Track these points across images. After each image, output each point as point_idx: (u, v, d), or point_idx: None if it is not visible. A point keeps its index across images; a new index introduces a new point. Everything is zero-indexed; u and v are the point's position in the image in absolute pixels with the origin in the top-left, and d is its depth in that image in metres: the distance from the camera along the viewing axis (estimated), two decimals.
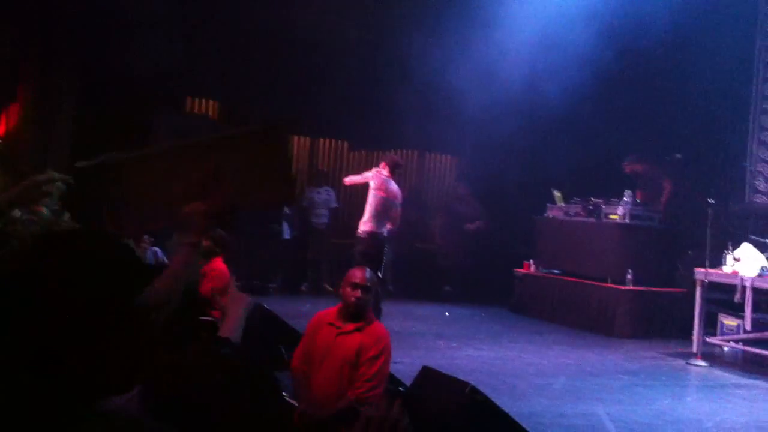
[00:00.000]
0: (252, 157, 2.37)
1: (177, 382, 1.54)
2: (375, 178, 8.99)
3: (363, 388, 4.21)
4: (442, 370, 4.88)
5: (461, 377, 4.60)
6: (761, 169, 11.35)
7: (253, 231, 11.39)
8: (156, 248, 8.81)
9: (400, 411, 1.67)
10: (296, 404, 4.39)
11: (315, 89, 12.31)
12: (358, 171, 15.04)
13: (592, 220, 10.75)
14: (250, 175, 2.39)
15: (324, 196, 12.93)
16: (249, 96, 12.23)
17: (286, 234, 12.69)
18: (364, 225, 8.75)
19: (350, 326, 4.39)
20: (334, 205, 13.00)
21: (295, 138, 14.44)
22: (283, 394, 4.37)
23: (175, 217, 2.25)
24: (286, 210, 12.76)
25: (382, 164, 9.17)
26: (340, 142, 14.88)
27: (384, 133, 13.54)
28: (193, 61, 11.38)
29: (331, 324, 4.46)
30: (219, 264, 6.33)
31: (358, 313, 4.42)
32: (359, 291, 4.41)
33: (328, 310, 4.60)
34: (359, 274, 4.50)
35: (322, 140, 14.76)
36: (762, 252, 8.61)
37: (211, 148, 2.43)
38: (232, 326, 2.60)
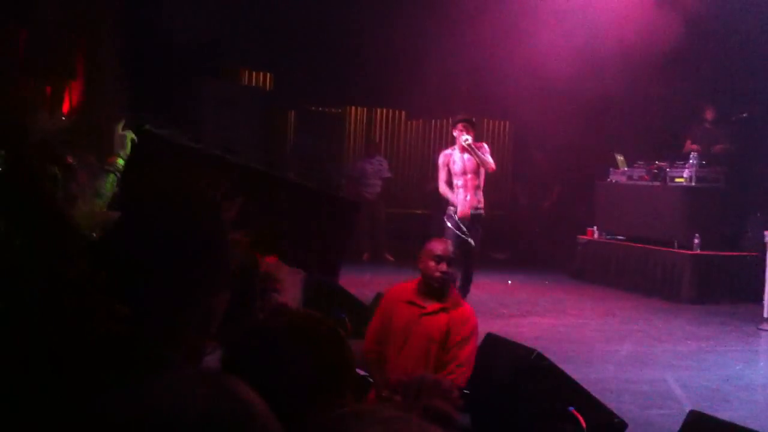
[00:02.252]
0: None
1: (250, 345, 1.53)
2: (456, 159, 7.64)
3: (456, 373, 3.97)
4: (507, 338, 4.86)
5: (526, 344, 4.57)
6: None
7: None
8: None
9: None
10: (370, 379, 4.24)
11: (369, 59, 12.26)
12: (415, 140, 15.13)
13: (656, 183, 10.51)
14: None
15: (376, 167, 12.82)
16: (304, 67, 12.24)
17: None
18: (479, 203, 7.64)
19: (435, 305, 4.12)
20: (386, 174, 12.90)
21: (351, 109, 14.46)
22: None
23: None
24: (342, 180, 12.79)
25: (457, 129, 7.66)
26: (396, 112, 14.84)
27: (439, 101, 13.45)
28: (248, 32, 11.43)
29: (411, 303, 4.15)
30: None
31: (442, 289, 4.14)
32: (444, 264, 4.12)
33: (402, 286, 4.33)
34: (441, 246, 4.21)
35: (378, 110, 14.74)
36: None
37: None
38: (291, 297, 2.61)
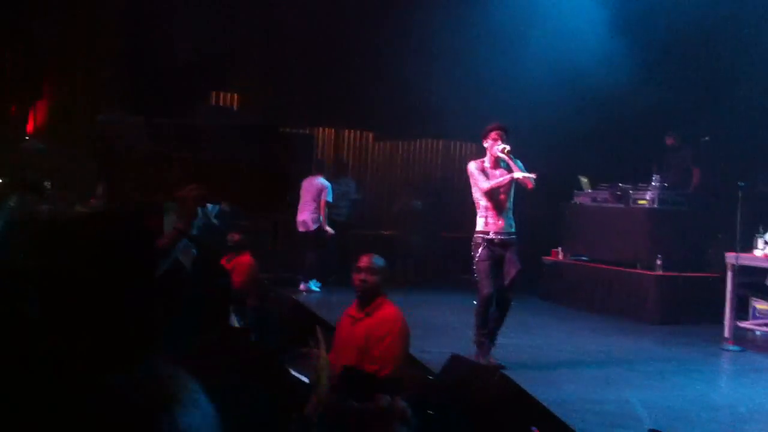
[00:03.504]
0: (246, 155, 2.38)
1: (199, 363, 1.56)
2: (488, 175, 6.95)
3: (367, 371, 4.25)
4: (471, 358, 4.88)
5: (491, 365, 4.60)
6: None
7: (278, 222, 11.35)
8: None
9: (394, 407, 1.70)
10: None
11: (338, 80, 12.31)
12: (382, 162, 15.16)
13: (620, 205, 10.65)
14: (242, 172, 2.41)
15: (343, 188, 12.73)
16: (271, 88, 12.26)
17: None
18: (512, 227, 7.03)
19: (361, 313, 4.50)
20: (353, 196, 12.82)
21: (320, 130, 14.48)
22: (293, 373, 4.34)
23: (170, 198, 2.29)
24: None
25: (491, 139, 6.90)
26: (365, 133, 14.90)
27: (408, 123, 13.54)
28: (215, 53, 11.43)
29: (349, 315, 4.59)
30: (246, 257, 6.36)
31: (365, 296, 4.51)
32: (363, 274, 4.51)
33: (352, 304, 4.69)
34: (364, 259, 4.59)
35: (346, 131, 14.78)
36: None
37: (210, 138, 2.44)
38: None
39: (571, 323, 9.51)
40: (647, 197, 10.33)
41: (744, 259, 8.59)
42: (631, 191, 10.55)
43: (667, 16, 11.11)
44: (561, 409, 5.25)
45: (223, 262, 6.21)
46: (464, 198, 15.24)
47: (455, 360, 4.91)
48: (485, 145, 6.96)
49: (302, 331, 5.41)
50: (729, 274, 8.69)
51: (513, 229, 6.95)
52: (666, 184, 10.50)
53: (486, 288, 6.82)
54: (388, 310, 4.55)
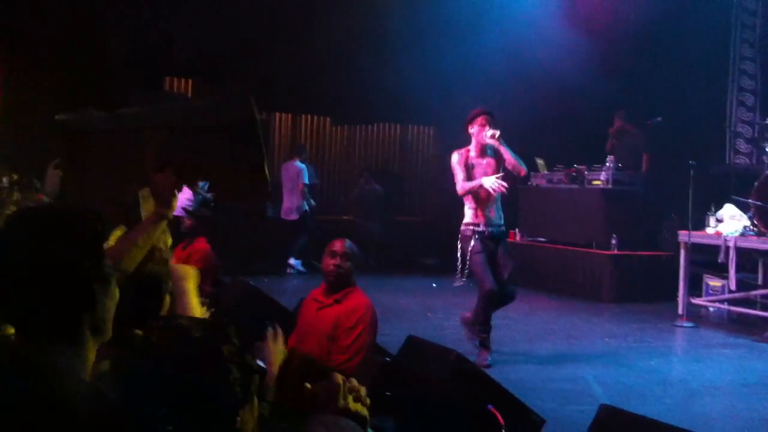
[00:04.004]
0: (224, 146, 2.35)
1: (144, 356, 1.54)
2: (474, 164, 6.57)
3: (336, 361, 4.17)
4: (428, 340, 4.90)
5: (448, 346, 4.62)
6: (741, 130, 11.41)
7: (233, 210, 11.28)
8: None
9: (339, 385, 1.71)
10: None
11: (295, 65, 12.22)
12: (340, 147, 15.11)
13: (575, 186, 10.76)
14: (224, 163, 2.38)
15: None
16: (226, 73, 12.13)
17: (269, 211, 12.58)
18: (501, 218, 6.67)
19: (330, 299, 4.38)
20: (313, 181, 12.80)
21: (277, 115, 14.39)
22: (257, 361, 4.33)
23: (146, 185, 2.26)
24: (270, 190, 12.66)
25: (477, 125, 6.49)
26: (322, 118, 14.84)
27: (366, 108, 13.51)
28: (169, 39, 11.27)
29: (315, 300, 4.48)
30: (202, 243, 6.30)
31: (338, 283, 4.39)
32: (338, 259, 4.38)
33: (316, 289, 4.59)
34: (338, 244, 4.46)
35: (304, 116, 14.71)
36: (744, 212, 8.66)
37: (179, 120, 2.41)
38: (182, 305, 2.59)
39: (528, 304, 9.58)
40: (601, 178, 10.46)
41: (696, 237, 8.75)
42: (586, 172, 10.67)
43: (619, 6, 11.24)
44: (517, 387, 5.30)
45: (178, 249, 6.15)
46: (422, 182, 15.43)
47: (412, 341, 4.93)
48: (471, 131, 6.48)
49: (259, 317, 5.40)
50: (682, 253, 8.85)
51: (503, 221, 6.60)
52: (620, 165, 10.63)
53: (487, 282, 6.38)
54: (360, 298, 4.45)
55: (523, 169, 6.51)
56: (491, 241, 6.50)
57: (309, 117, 14.74)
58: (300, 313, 4.57)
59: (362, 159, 15.01)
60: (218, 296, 5.96)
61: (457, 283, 6.66)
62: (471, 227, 6.52)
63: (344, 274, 4.41)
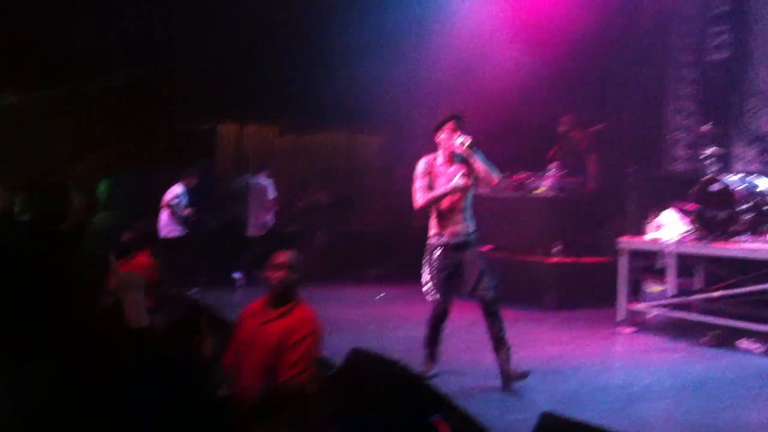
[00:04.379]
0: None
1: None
2: (441, 172, 6.29)
3: (287, 375, 4.14)
4: (375, 351, 4.92)
5: (395, 357, 4.64)
6: (680, 136, 11.68)
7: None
8: None
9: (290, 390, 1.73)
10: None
11: (241, 73, 12.15)
12: (288, 156, 15.04)
13: (518, 194, 10.89)
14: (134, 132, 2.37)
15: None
16: (171, 82, 12.01)
17: (210, 224, 12.48)
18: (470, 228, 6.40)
19: (275, 313, 4.32)
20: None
21: (221, 125, 14.29)
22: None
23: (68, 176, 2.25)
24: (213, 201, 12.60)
25: (446, 130, 6.20)
26: (268, 127, 14.78)
27: (313, 116, 13.49)
28: (111, 44, 11.10)
29: (255, 315, 4.41)
30: (144, 257, 6.22)
31: (283, 295, 4.35)
32: (282, 271, 4.34)
33: (254, 302, 4.52)
34: (283, 256, 4.43)
35: (249, 126, 14.63)
36: (682, 217, 8.87)
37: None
38: (134, 314, 2.59)
39: (472, 312, 9.61)
40: (544, 185, 10.61)
41: (636, 243, 8.93)
42: (528, 180, 10.80)
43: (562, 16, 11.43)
44: (461, 397, 5.37)
45: (120, 263, 6.07)
46: (369, 192, 15.40)
47: (357, 353, 4.95)
48: (439, 138, 6.19)
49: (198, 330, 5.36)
50: (622, 258, 9.02)
51: (471, 230, 6.32)
52: (562, 173, 10.81)
53: (438, 304, 6.39)
54: (306, 311, 4.42)
55: (495, 178, 6.24)
56: (457, 251, 6.25)
57: (255, 126, 14.65)
58: (239, 329, 4.48)
59: (309, 169, 14.97)
60: (161, 310, 5.91)
61: (429, 298, 6.50)
62: (435, 239, 6.30)
63: (290, 286, 4.37)
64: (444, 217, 6.23)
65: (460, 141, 6.04)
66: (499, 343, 6.19)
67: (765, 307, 8.59)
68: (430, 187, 6.21)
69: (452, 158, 6.22)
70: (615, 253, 9.33)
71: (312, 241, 12.85)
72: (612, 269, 9.47)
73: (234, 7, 11.44)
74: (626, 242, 8.91)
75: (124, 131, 9.76)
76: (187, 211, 11.31)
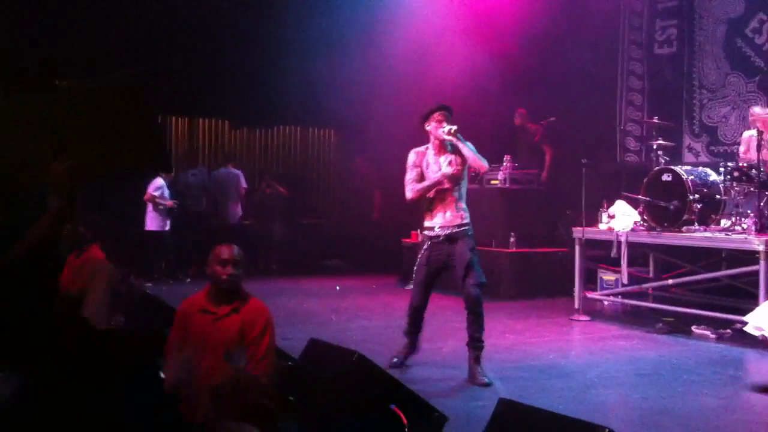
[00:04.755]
0: (115, 114, 2.27)
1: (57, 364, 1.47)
2: (431, 162, 6.23)
3: (260, 367, 4.01)
4: (334, 343, 4.88)
5: (353, 347, 4.60)
6: (631, 129, 11.84)
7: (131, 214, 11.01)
8: None
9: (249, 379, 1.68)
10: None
11: (192, 66, 11.97)
12: (240, 150, 14.90)
13: (474, 186, 10.90)
14: (115, 134, 2.30)
15: (199, 177, 12.47)
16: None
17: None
18: (462, 218, 6.26)
19: (226, 308, 4.14)
20: (209, 185, 12.61)
21: (173, 118, 14.07)
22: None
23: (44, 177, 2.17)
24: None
25: (434, 121, 6.14)
26: (220, 121, 14.60)
27: (266, 110, 13.37)
28: (58, 38, 10.87)
29: (204, 311, 4.14)
30: (95, 252, 6.08)
31: (231, 291, 4.16)
32: (230, 267, 4.14)
33: (193, 297, 4.27)
34: (227, 251, 4.20)
35: (201, 120, 14.44)
36: (634, 208, 8.99)
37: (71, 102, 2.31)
38: (95, 302, 2.52)
39: (432, 303, 9.64)
40: (499, 177, 10.67)
41: (590, 233, 9.02)
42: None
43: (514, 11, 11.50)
44: (420, 386, 5.36)
45: (71, 257, 5.93)
46: (324, 185, 15.37)
47: (314, 344, 4.90)
48: (427, 128, 6.15)
49: (155, 324, 5.26)
50: (577, 248, 9.11)
51: (465, 220, 6.18)
52: (517, 164, 10.87)
53: (414, 299, 6.44)
54: (256, 302, 4.27)
55: (484, 165, 6.20)
56: (446, 244, 6.16)
57: (206, 120, 14.47)
58: (180, 327, 4.20)
59: (262, 162, 14.85)
60: (114, 304, 5.78)
61: (408, 287, 6.50)
62: (426, 232, 6.25)
63: (237, 282, 4.21)
64: (435, 209, 6.16)
65: (446, 129, 6.01)
66: (475, 342, 6.15)
67: (717, 294, 8.76)
68: (421, 178, 6.16)
69: (442, 148, 6.17)
70: (570, 243, 9.43)
71: (270, 234, 12.75)
72: (568, 259, 9.58)
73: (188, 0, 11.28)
74: (581, 232, 8.99)
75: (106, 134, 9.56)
76: (170, 203, 11.47)
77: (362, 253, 12.99)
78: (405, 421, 4.04)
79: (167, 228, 11.55)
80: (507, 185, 10.64)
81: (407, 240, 11.85)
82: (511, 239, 10.28)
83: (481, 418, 4.28)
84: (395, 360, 6.39)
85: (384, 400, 4.14)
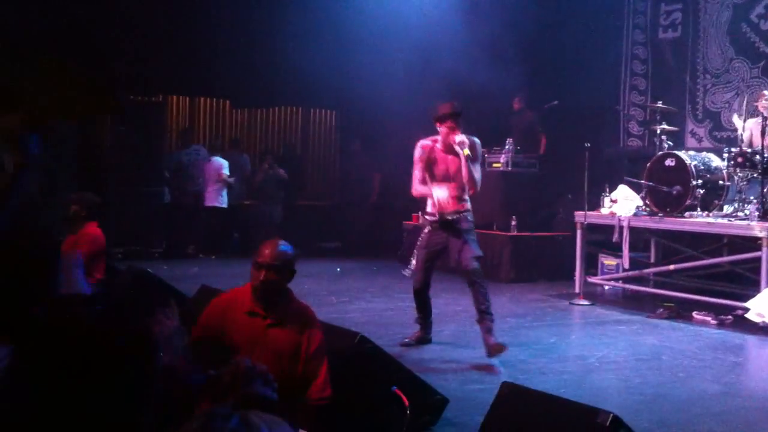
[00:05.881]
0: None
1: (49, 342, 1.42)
2: (438, 158, 6.31)
3: (325, 392, 3.65)
4: (335, 324, 4.85)
5: (353, 329, 4.58)
6: (634, 113, 11.78)
7: (129, 194, 10.99)
8: None
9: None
10: None
11: (192, 46, 11.88)
12: (241, 130, 14.82)
13: None
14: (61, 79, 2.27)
15: (193, 157, 12.42)
16: (120, 55, 11.67)
17: (167, 197, 12.29)
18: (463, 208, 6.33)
19: (277, 315, 3.67)
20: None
21: (173, 98, 13.99)
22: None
23: None
24: (166, 173, 12.36)
25: (446, 127, 6.19)
26: (220, 101, 14.52)
27: (266, 90, 13.28)
28: (56, 18, 10.75)
29: (253, 314, 3.65)
30: (92, 228, 6.04)
31: (267, 299, 3.65)
32: (264, 272, 3.60)
33: (236, 294, 3.77)
34: (267, 252, 3.65)
35: (201, 99, 14.36)
36: (637, 193, 8.95)
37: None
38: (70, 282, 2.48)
39: (432, 286, 9.65)
40: (501, 160, 10.62)
41: (591, 217, 9.00)
42: (486, 155, 10.79)
43: None
44: (421, 368, 5.35)
45: (69, 235, 5.90)
46: (324, 166, 15.31)
47: None
48: (438, 128, 6.23)
49: (153, 302, 5.22)
50: (578, 233, 9.08)
51: (465, 207, 6.27)
52: (518, 147, 10.83)
53: (416, 282, 6.57)
54: (310, 312, 3.81)
55: (475, 189, 6.25)
56: (445, 229, 6.25)
57: (207, 100, 14.39)
58: (217, 321, 3.69)
59: (263, 143, 14.79)
60: (110, 283, 5.75)
61: (406, 273, 6.64)
62: (428, 217, 6.36)
63: (274, 289, 3.65)
64: (438, 195, 6.19)
65: (461, 148, 6.08)
66: (482, 315, 6.19)
67: (718, 280, 8.74)
68: (429, 171, 6.25)
69: (451, 147, 6.22)
70: (571, 227, 9.40)
71: (270, 215, 12.71)
72: (568, 243, 9.55)
73: None
74: (582, 216, 8.96)
75: (62, 82, 9.32)
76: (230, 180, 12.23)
77: (361, 235, 12.95)
78: (407, 402, 4.02)
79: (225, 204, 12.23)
80: (509, 168, 10.59)
81: (408, 222, 11.80)
82: (512, 223, 10.25)
83: (482, 400, 4.27)
84: (407, 340, 6.55)
85: (386, 382, 4.12)
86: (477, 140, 6.31)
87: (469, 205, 6.34)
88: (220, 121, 14.57)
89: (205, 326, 3.68)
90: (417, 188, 6.34)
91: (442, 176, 6.22)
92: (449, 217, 6.21)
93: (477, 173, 6.19)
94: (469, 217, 6.33)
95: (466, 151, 6.07)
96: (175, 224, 12.08)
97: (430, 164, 6.25)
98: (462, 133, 6.16)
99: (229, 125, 14.65)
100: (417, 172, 6.28)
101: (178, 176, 12.16)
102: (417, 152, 6.29)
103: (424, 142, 6.31)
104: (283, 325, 3.66)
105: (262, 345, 3.59)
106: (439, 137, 6.28)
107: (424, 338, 6.65)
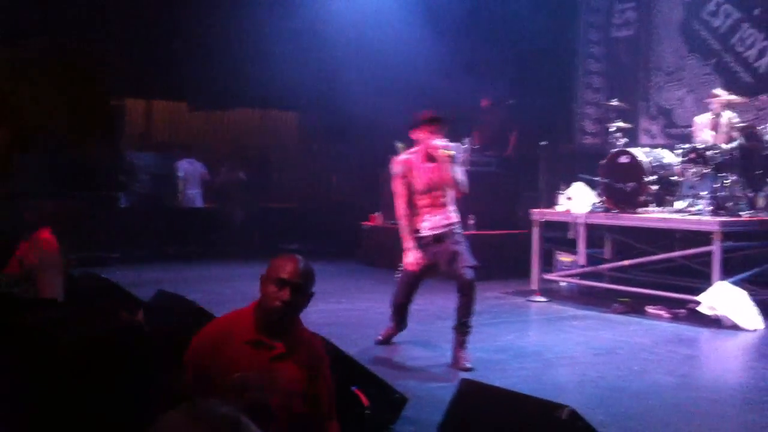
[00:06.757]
0: None
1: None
2: (414, 169, 6.05)
3: (331, 414, 3.22)
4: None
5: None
6: (588, 111, 11.94)
7: (86, 200, 10.85)
8: None
9: None
10: None
11: (148, 46, 11.76)
12: (199, 133, 14.70)
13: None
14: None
15: (146, 160, 12.38)
16: (75, 56, 11.51)
17: (123, 202, 12.17)
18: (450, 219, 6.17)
19: (284, 344, 3.08)
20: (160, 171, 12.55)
21: (129, 100, 13.84)
22: None
23: None
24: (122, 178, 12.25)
25: (426, 131, 5.97)
26: (177, 103, 14.39)
27: (224, 92, 13.20)
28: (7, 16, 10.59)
29: (257, 344, 3.03)
30: (46, 234, 5.97)
31: (282, 322, 3.06)
32: (288, 291, 3.02)
33: (232, 320, 3.15)
34: (291, 267, 3.08)
35: (156, 102, 14.22)
36: (592, 190, 9.08)
37: None
38: (50, 291, 2.46)
39: (391, 285, 9.66)
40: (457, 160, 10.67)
41: (548, 214, 9.10)
42: None
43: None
44: (381, 367, 5.38)
45: (22, 242, 5.84)
46: (285, 168, 15.26)
47: None
48: (416, 136, 6.00)
49: (112, 308, 5.18)
50: (535, 230, 9.18)
51: (452, 221, 6.11)
52: (478, 146, 10.89)
53: (398, 295, 6.52)
54: (311, 335, 3.32)
55: (463, 191, 6.11)
56: (434, 244, 6.09)
57: (163, 102, 14.26)
58: (210, 356, 3.01)
59: (222, 145, 14.69)
60: (66, 288, 5.69)
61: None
62: (416, 236, 6.12)
63: (293, 313, 3.11)
64: (423, 213, 6.07)
65: (444, 151, 5.90)
66: (462, 326, 6.08)
67: (672, 274, 8.91)
68: (410, 185, 6.03)
69: (430, 155, 6.01)
70: (529, 225, 9.49)
71: (230, 219, 12.65)
72: (526, 241, 9.64)
73: None
74: (539, 214, 9.06)
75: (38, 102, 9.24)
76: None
77: (321, 236, 12.95)
78: (366, 403, 4.04)
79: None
80: (468, 167, 10.64)
81: (366, 223, 11.85)
82: (470, 221, 10.31)
83: (440, 398, 4.31)
84: (379, 338, 6.59)
85: (346, 383, 4.13)
86: (453, 145, 6.19)
87: (457, 217, 6.20)
88: (177, 124, 14.46)
89: (195, 365, 3.03)
90: (398, 214, 6.14)
91: (425, 187, 5.99)
92: (439, 232, 6.07)
93: (460, 175, 6.04)
94: (457, 229, 6.18)
95: (451, 152, 5.91)
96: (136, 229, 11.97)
97: (411, 179, 6.03)
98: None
99: (187, 128, 14.53)
100: (398, 189, 6.06)
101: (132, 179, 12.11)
102: (397, 168, 6.08)
103: (401, 158, 6.14)
104: (290, 358, 3.07)
105: (269, 381, 3.02)
106: (414, 148, 6.11)
107: (394, 334, 6.64)
